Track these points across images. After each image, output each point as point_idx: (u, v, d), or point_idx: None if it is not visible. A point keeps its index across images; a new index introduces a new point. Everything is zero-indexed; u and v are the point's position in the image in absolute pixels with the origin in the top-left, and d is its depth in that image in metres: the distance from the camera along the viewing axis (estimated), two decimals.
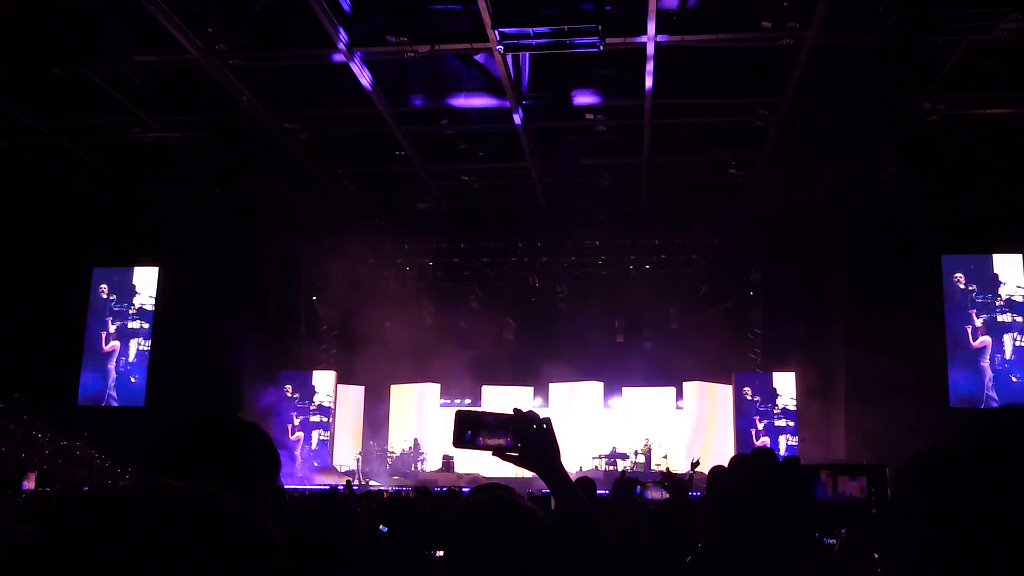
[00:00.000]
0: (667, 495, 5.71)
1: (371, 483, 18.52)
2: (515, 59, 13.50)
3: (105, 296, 20.62)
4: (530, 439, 1.86)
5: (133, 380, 20.24)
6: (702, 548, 1.21)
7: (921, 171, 16.95)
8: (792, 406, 19.36)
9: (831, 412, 18.64)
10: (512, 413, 1.90)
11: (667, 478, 5.78)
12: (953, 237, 18.13)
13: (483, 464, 18.65)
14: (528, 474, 1.98)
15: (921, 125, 15.13)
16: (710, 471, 1.27)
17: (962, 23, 11.22)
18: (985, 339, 18.23)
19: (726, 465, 1.29)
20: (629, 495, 6.58)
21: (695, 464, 11.98)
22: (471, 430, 1.89)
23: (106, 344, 20.45)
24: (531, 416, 1.89)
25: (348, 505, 2.85)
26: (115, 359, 20.35)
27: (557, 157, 16.60)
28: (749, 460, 1.21)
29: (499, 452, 1.89)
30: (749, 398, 19.50)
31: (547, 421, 1.90)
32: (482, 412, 1.92)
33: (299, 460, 20.11)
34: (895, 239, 17.67)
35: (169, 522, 0.72)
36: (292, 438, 20.39)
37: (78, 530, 0.72)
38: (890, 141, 15.93)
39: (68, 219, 19.01)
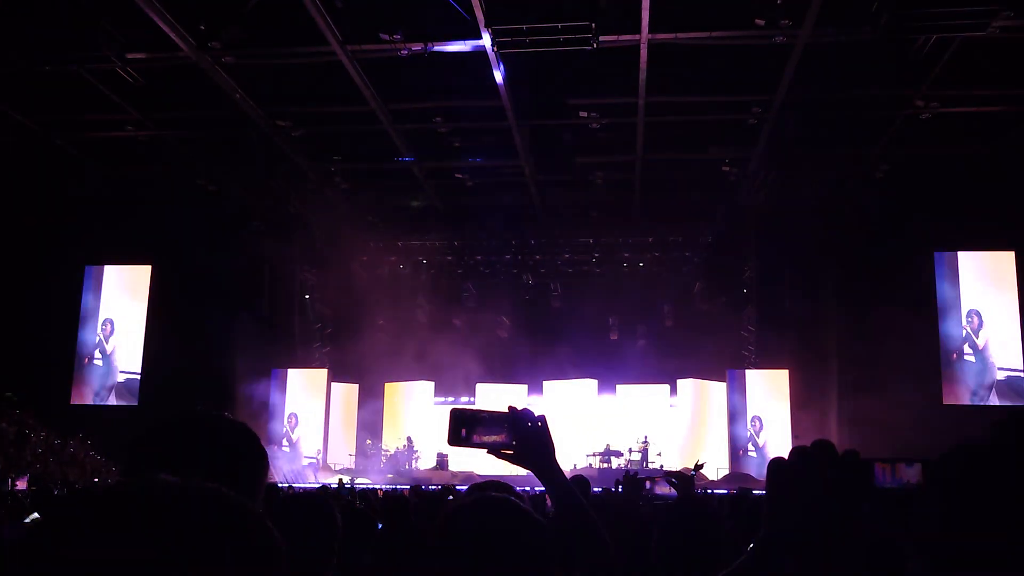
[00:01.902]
0: (674, 492, 5.76)
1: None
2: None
3: (98, 294, 20.54)
4: (525, 436, 1.86)
5: (126, 379, 20.17)
6: (762, 539, 1.22)
7: (913, 168, 16.99)
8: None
9: (824, 409, 18.68)
10: (507, 411, 1.89)
11: (674, 475, 5.83)
12: (946, 234, 18.17)
13: (478, 462, 18.64)
14: (523, 471, 1.96)
15: (914, 122, 15.18)
16: (770, 462, 1.27)
17: (955, 21, 11.25)
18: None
19: (786, 456, 1.29)
20: (638, 492, 6.62)
21: (699, 466, 11.96)
22: (466, 428, 1.88)
23: (99, 342, 20.38)
24: (526, 414, 1.88)
25: (326, 503, 2.86)
26: (108, 358, 20.29)
27: (550, 154, 16.61)
28: (809, 451, 1.22)
29: (494, 450, 1.88)
30: None
31: (542, 419, 1.89)
32: (477, 410, 1.91)
33: (290, 457, 20.07)
34: (888, 236, 17.71)
35: (169, 520, 0.72)
36: (284, 436, 20.36)
37: (76, 528, 0.72)
38: (883, 138, 15.98)
39: (61, 217, 18.92)
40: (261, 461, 1.55)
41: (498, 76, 13.31)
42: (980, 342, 18.17)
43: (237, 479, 1.43)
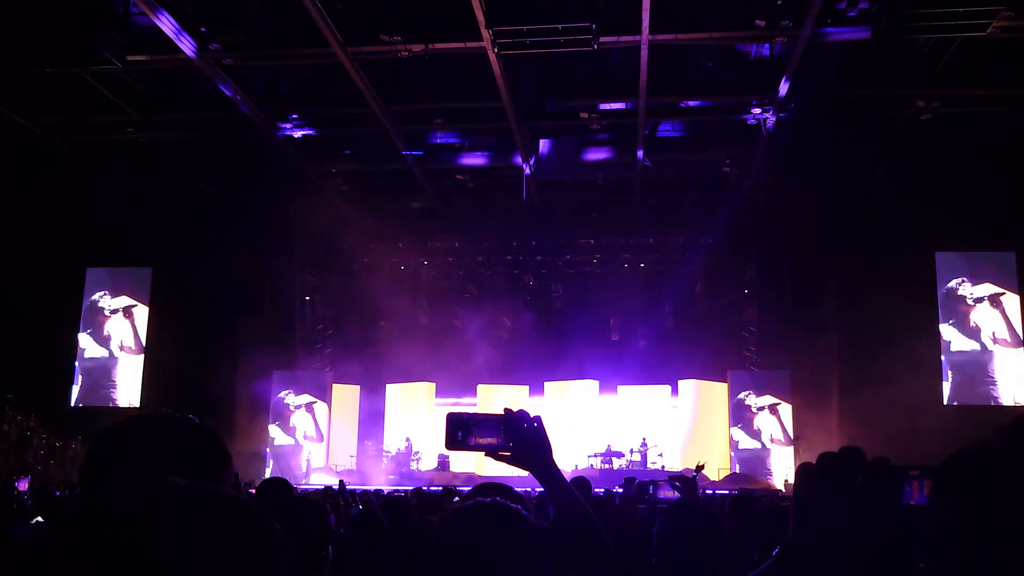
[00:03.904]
0: (677, 495, 5.77)
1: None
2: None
3: (98, 297, 20.55)
4: (521, 438, 1.87)
5: (126, 381, 20.18)
6: (788, 544, 1.21)
7: (914, 168, 17.00)
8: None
9: (826, 410, 18.67)
10: (503, 413, 1.90)
11: (678, 478, 5.84)
12: (947, 234, 18.17)
13: (479, 463, 18.65)
14: (522, 472, 1.97)
15: (914, 122, 15.18)
16: (798, 467, 1.26)
17: (955, 21, 11.26)
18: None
19: (814, 462, 1.29)
20: (641, 496, 6.66)
21: (700, 467, 11.98)
22: (463, 431, 1.89)
23: (100, 345, 20.39)
24: (521, 415, 1.89)
25: (318, 505, 2.86)
26: (109, 360, 20.29)
27: (551, 155, 16.64)
28: (836, 458, 1.21)
29: (491, 452, 1.89)
30: None
31: (537, 419, 1.90)
32: (472, 413, 1.92)
33: (292, 458, 20.07)
34: (889, 236, 17.71)
35: (180, 520, 0.72)
36: (287, 438, 20.35)
37: (85, 530, 0.72)
38: (883, 138, 15.98)
39: (61, 219, 18.94)
40: (220, 462, 1.54)
41: (499, 77, 13.28)
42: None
43: (200, 479, 1.42)
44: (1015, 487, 0.90)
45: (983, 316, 18.36)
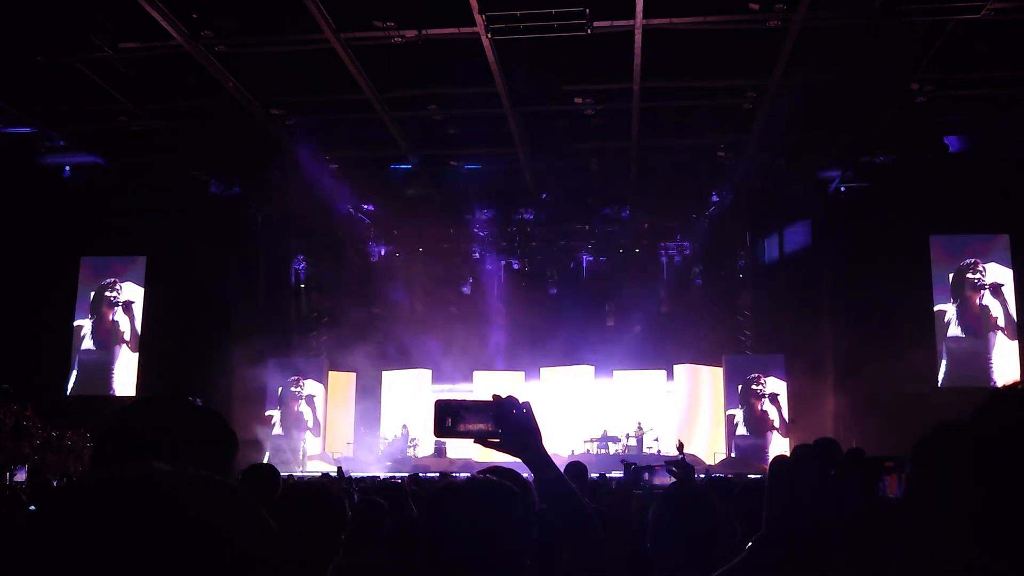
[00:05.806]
0: (674, 480, 5.81)
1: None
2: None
3: (93, 286, 20.50)
4: (510, 424, 1.86)
5: (122, 369, 20.15)
6: (763, 536, 1.21)
7: (909, 152, 16.99)
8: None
9: (820, 394, 18.73)
10: (491, 399, 1.90)
11: (674, 464, 5.87)
12: (942, 217, 18.18)
13: (476, 449, 18.68)
14: (511, 459, 1.97)
15: (909, 106, 15.17)
16: (772, 460, 1.26)
17: (949, 4, 11.24)
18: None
19: (788, 455, 1.28)
20: (637, 480, 6.69)
21: (679, 446, 12.00)
22: (452, 418, 1.88)
23: (95, 333, 20.35)
24: (511, 401, 1.88)
25: (333, 491, 2.86)
26: (104, 349, 20.26)
27: (546, 141, 16.62)
28: (812, 451, 1.21)
29: (480, 438, 1.88)
30: None
31: (527, 405, 1.89)
32: (461, 400, 1.92)
33: (289, 446, 20.11)
34: (884, 220, 17.72)
35: (163, 507, 0.73)
36: (283, 425, 20.38)
37: (71, 519, 0.72)
38: (878, 122, 15.96)
39: (56, 208, 18.86)
40: (230, 445, 1.54)
41: (492, 62, 13.20)
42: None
43: (206, 463, 1.42)
44: (991, 463, 0.90)
45: (983, 299, 18.35)
